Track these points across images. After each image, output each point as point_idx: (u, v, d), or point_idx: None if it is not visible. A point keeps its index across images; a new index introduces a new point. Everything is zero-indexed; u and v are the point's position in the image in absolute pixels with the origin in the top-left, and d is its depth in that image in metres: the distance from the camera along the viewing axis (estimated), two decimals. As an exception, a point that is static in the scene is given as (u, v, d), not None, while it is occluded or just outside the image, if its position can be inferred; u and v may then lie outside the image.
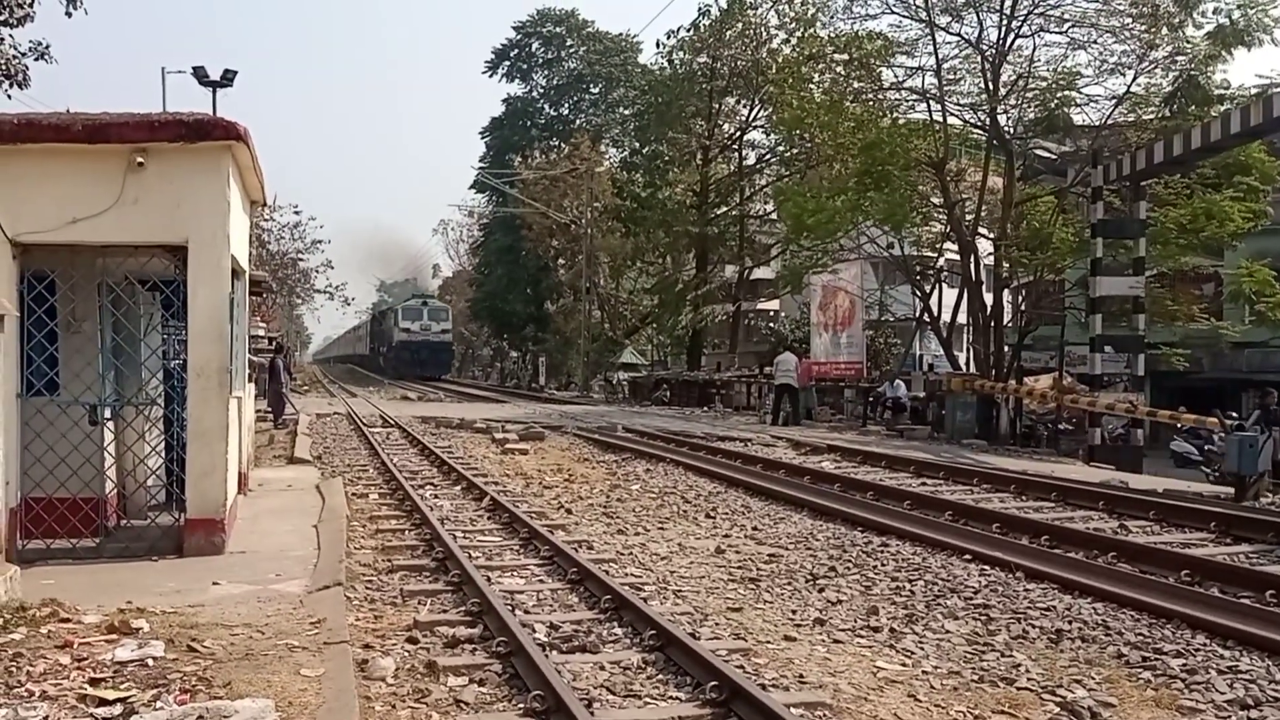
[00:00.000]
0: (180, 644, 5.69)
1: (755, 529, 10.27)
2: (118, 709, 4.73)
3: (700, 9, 41.83)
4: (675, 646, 5.88)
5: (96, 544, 8.17)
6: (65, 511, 8.03)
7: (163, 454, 9.12)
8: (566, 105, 58.91)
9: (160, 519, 8.53)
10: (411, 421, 21.85)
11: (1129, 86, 26.58)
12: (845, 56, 30.96)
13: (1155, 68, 26.45)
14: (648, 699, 5.32)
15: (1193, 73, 25.74)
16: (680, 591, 7.60)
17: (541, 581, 7.89)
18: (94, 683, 5.04)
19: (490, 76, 60.36)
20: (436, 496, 12.02)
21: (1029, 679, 5.73)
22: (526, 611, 6.93)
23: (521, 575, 8.11)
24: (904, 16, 29.07)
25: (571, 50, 58.35)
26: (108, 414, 8.59)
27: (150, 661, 5.38)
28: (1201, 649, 6.22)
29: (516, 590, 7.52)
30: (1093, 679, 5.75)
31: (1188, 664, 5.96)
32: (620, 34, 57.80)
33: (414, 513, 10.61)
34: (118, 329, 8.70)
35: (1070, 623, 6.81)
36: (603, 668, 5.75)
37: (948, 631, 6.64)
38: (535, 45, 59.23)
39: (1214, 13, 25.62)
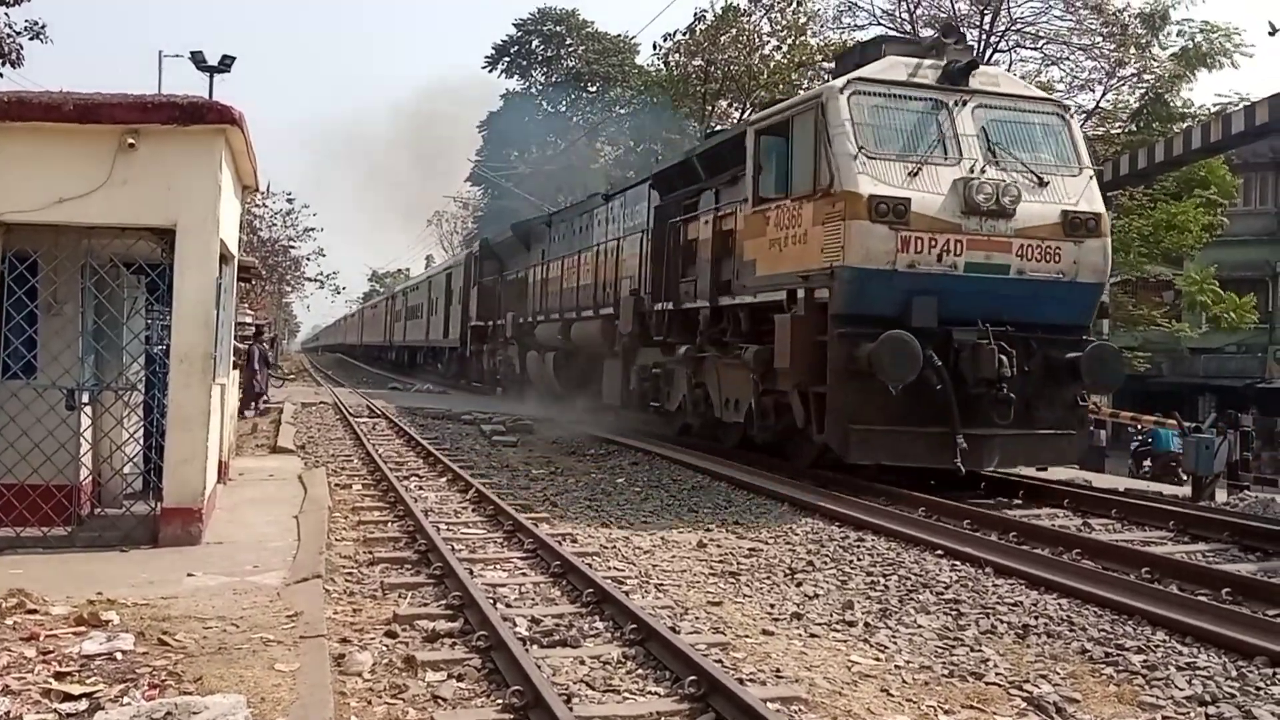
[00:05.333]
0: (151, 637, 5.58)
1: (737, 523, 10.23)
2: (83, 704, 4.63)
3: (696, 14, 42.08)
4: (655, 640, 5.84)
5: (69, 533, 8.01)
6: (37, 499, 7.89)
7: (141, 441, 9.00)
8: (564, 102, 58.89)
9: (136, 508, 8.42)
10: (399, 413, 21.75)
11: (1098, 102, 28.32)
12: (833, 65, 31.33)
13: (1123, 85, 28.29)
14: (627, 694, 5.27)
15: (1158, 91, 26.81)
16: (662, 585, 7.56)
17: (524, 575, 7.83)
18: (59, 676, 4.93)
19: (490, 72, 60.42)
20: (421, 488, 11.92)
21: (997, 674, 5.76)
22: (508, 605, 6.85)
23: (504, 568, 8.04)
24: (889, 28, 29.80)
25: (570, 49, 58.44)
26: (85, 399, 8.48)
27: (119, 655, 5.27)
28: (1161, 645, 6.27)
29: (499, 583, 7.45)
30: (1058, 674, 5.80)
31: (1148, 660, 6.00)
32: (618, 35, 57.87)
33: (398, 504, 10.51)
34: (100, 312, 8.58)
35: (1037, 618, 6.86)
36: (583, 662, 5.70)
37: (919, 626, 6.66)
38: (535, 43, 59.32)
39: (1179, 35, 26.88)
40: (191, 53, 27.44)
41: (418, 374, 41.45)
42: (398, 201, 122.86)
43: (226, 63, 27.64)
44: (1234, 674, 5.78)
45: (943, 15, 28.60)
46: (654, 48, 49.97)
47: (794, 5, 38.53)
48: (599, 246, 19.90)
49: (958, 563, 8.41)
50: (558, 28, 58.70)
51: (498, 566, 8.09)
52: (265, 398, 23.18)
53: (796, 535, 9.61)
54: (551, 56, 59.19)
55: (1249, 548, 9.28)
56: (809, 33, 36.88)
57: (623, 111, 53.21)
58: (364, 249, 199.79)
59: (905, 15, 29.07)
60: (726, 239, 14.01)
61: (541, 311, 23.43)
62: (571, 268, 21.65)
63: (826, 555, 8.75)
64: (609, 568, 8.03)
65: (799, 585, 7.70)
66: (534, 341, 24.01)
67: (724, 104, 43.90)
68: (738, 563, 8.41)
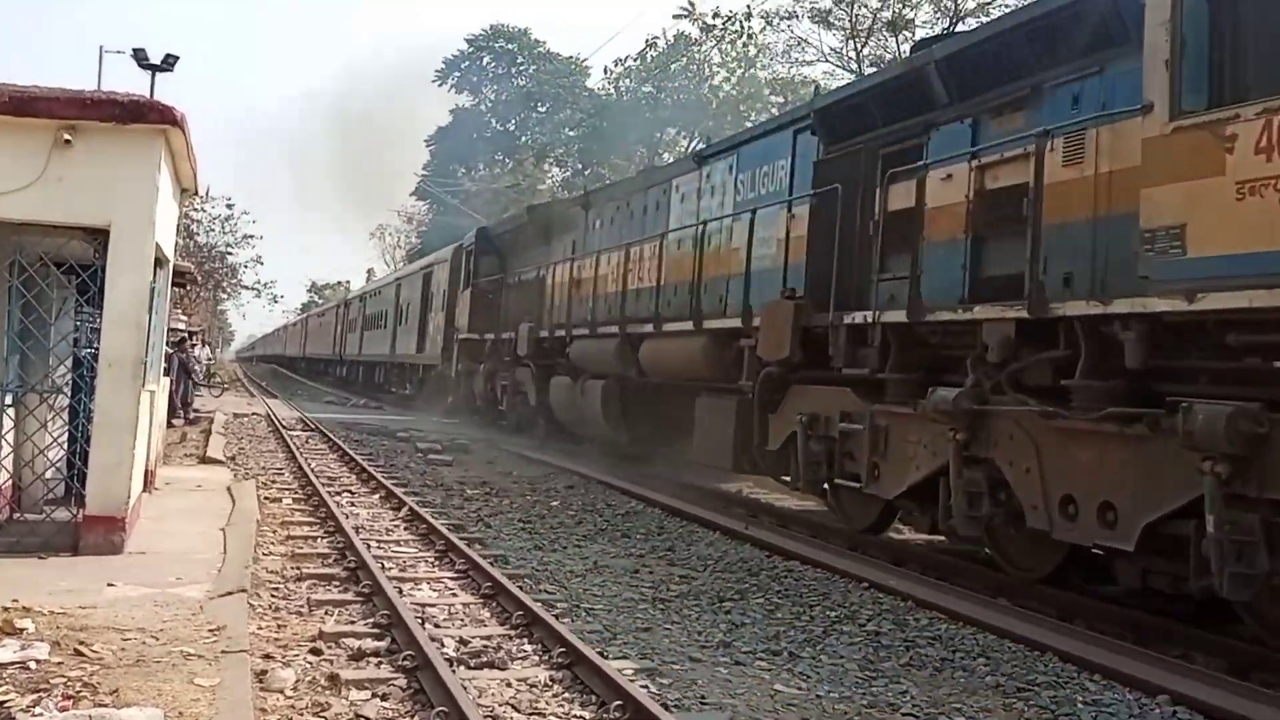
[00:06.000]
0: (67, 646, 5.45)
1: (670, 550, 10.22)
2: (-8, 713, 4.52)
3: (648, 41, 42.57)
4: (583, 665, 5.82)
5: (-14, 538, 7.81)
6: (-46, 502, 7.70)
7: (65, 445, 8.79)
8: (513, 121, 58.86)
9: (57, 514, 8.20)
10: (333, 427, 21.51)
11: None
12: (781, 99, 32.02)
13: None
14: (552, 717, 5.26)
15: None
16: (593, 610, 7.52)
17: (454, 595, 7.77)
18: (-31, 684, 4.81)
19: (439, 86, 60.22)
20: (353, 504, 11.79)
21: (914, 705, 5.84)
22: (437, 625, 6.82)
23: (435, 588, 7.98)
24: (837, 65, 30.54)
25: (522, 68, 58.43)
26: (8, 400, 8.28)
27: (33, 664, 5.14)
28: (1071, 682, 6.38)
29: (428, 603, 7.39)
30: (971, 708, 5.88)
31: (1057, 696, 6.12)
32: (570, 57, 58.00)
33: (328, 520, 10.39)
34: (27, 311, 8.38)
35: (954, 652, 6.95)
36: (510, 684, 5.66)
37: (841, 657, 6.71)
38: (486, 60, 59.21)
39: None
40: (134, 50, 26.76)
41: (378, 395, 35.57)
42: (337, 210, 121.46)
43: (169, 61, 27.04)
44: (1138, 711, 5.90)
45: (888, 55, 29.17)
46: (605, 71, 50.29)
47: (744, 38, 39.21)
48: (693, 230, 13.82)
49: (881, 595, 8.44)
50: (510, 46, 58.67)
51: (428, 586, 8.02)
52: (193, 408, 22.82)
53: (727, 564, 9.60)
54: (503, 74, 59.15)
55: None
56: (758, 65, 37.62)
57: (571, 134, 53.41)
58: (304, 259, 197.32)
59: (852, 54, 29.66)
60: (1006, 200, 8.40)
61: (581, 323, 17.25)
62: (638, 262, 15.55)
63: (755, 585, 8.74)
64: (540, 590, 7.98)
65: (728, 613, 7.70)
66: (564, 364, 17.86)
67: (672, 131, 44.40)
68: (669, 589, 8.40)
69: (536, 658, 6.17)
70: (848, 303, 10.25)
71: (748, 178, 12.99)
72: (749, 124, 32.13)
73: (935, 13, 35.77)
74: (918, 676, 6.39)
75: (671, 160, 30.99)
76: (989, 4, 33.95)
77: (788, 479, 11.43)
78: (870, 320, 9.71)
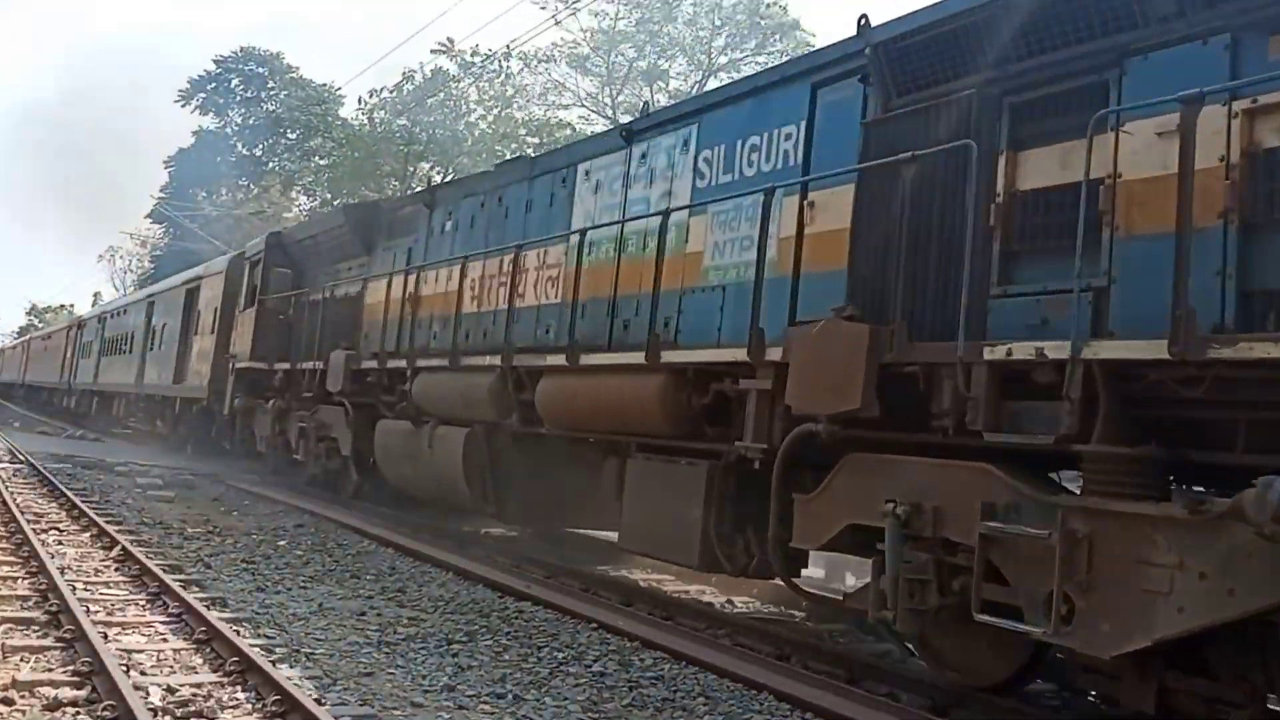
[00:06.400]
0: None
1: (400, 590, 10.15)
2: None
3: (405, 73, 42.53)
4: (298, 713, 5.73)
5: None
6: None
7: None
8: (260, 147, 56.93)
9: None
10: (45, 459, 20.11)
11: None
12: (536, 140, 32.85)
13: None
14: (262, 769, 5.16)
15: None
16: (313, 654, 7.38)
17: (165, 640, 7.47)
18: None
19: (183, 106, 57.52)
20: (60, 543, 11.10)
21: None
22: (143, 673, 6.54)
23: (144, 633, 7.65)
24: (592, 110, 31.56)
25: (272, 93, 56.70)
26: None
27: None
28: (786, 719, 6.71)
29: (135, 649, 7.08)
30: None
31: None
32: (324, 84, 56.65)
33: (31, 559, 9.76)
34: None
35: (675, 692, 7.19)
36: (218, 735, 5.52)
37: (566, 699, 6.84)
38: (234, 81, 57.11)
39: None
40: None
41: (111, 431, 31.16)
42: (62, 230, 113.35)
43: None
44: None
45: (642, 101, 30.44)
46: (359, 102, 49.54)
47: (502, 78, 39.84)
48: (635, 226, 9.99)
49: (609, 636, 8.61)
50: (260, 69, 56.91)
51: (137, 631, 7.68)
52: None
53: (459, 605, 9.61)
54: (251, 98, 57.22)
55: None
56: (515, 106, 38.36)
57: (322, 163, 52.27)
58: (23, 281, 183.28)
59: (608, 100, 30.76)
60: None
61: (431, 351, 13.37)
62: (528, 271, 11.65)
63: (486, 626, 8.79)
64: (259, 634, 7.77)
65: (455, 656, 7.70)
66: (399, 404, 13.93)
67: (426, 166, 44.20)
68: (396, 632, 8.33)
69: (249, 706, 6.02)
70: (948, 328, 6.53)
71: (717, 155, 9.25)
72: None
73: (689, 65, 37.74)
74: (639, 717, 6.55)
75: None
76: (741, 60, 36.15)
77: (810, 593, 8.77)
78: (1066, 357, 5.68)
